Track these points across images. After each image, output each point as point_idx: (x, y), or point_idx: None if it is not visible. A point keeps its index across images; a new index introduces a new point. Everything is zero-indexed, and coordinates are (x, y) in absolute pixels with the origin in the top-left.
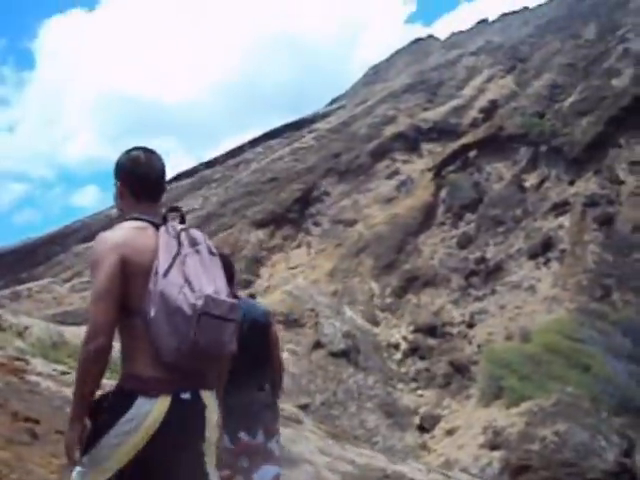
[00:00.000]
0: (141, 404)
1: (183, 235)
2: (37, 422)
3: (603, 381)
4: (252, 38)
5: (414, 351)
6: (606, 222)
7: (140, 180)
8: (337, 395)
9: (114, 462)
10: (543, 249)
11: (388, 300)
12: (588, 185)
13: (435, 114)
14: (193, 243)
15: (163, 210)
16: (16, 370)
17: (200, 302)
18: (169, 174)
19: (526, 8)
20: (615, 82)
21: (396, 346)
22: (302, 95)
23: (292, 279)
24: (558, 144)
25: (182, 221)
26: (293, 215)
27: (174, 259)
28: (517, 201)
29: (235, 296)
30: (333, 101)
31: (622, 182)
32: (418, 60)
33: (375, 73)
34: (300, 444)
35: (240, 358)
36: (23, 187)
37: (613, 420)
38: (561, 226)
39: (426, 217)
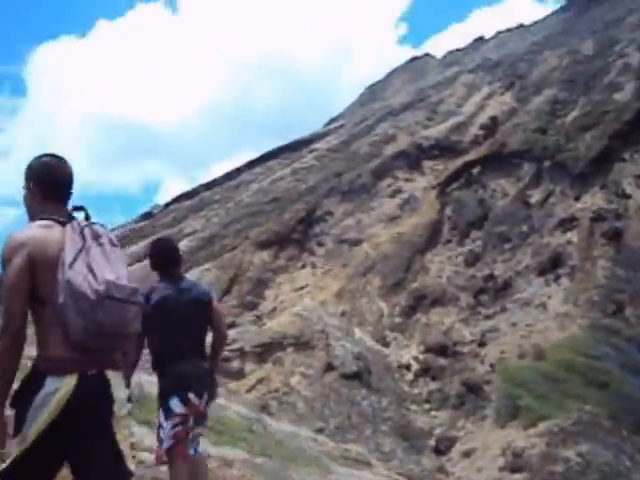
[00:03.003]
0: (50, 383)
1: (86, 230)
2: None
3: (622, 398)
4: (239, 62)
5: (426, 371)
6: (615, 237)
7: (52, 183)
8: (351, 418)
9: (31, 434)
10: (552, 265)
11: (397, 320)
12: (594, 200)
13: (436, 131)
14: (96, 237)
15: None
16: None
17: (102, 287)
18: (163, 198)
19: (522, 25)
20: (617, 96)
21: (407, 367)
22: (290, 118)
23: (299, 300)
24: (562, 159)
25: (87, 218)
26: (297, 235)
27: (79, 252)
28: (523, 217)
29: (181, 276)
30: (331, 121)
31: (629, 196)
32: (415, 78)
33: (372, 93)
34: None
35: (186, 331)
36: (17, 212)
37: (634, 438)
38: (569, 242)
39: (432, 235)
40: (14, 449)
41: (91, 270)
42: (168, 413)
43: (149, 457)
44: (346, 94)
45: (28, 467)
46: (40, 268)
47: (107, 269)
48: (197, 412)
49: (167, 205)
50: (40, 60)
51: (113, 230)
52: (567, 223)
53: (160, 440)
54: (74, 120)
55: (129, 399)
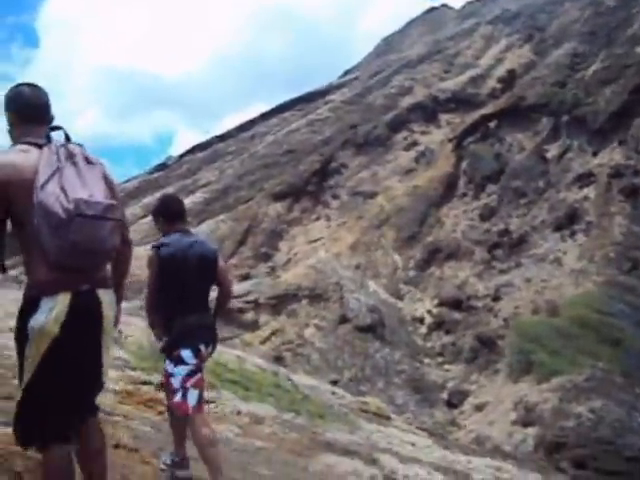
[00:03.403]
0: (45, 303)
1: (61, 151)
2: None
3: (635, 356)
4: (252, 11)
5: (439, 325)
6: (632, 193)
7: (27, 105)
8: (365, 371)
9: (35, 355)
10: (568, 221)
11: (411, 273)
12: (613, 156)
13: (453, 84)
14: (70, 156)
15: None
16: (148, 400)
17: (72, 205)
18: (177, 149)
19: None
20: (639, 50)
21: (421, 320)
22: (304, 69)
23: (313, 253)
24: (581, 114)
25: (67, 138)
26: (311, 187)
27: (53, 173)
28: (539, 172)
29: (188, 232)
30: (346, 72)
31: None
32: (433, 30)
33: (387, 44)
34: None
35: (192, 286)
36: None
37: None
38: (586, 198)
39: (447, 188)
40: (25, 373)
41: (63, 190)
42: (179, 362)
43: None
44: (360, 45)
45: (42, 384)
46: (16, 191)
47: (80, 188)
48: (204, 361)
49: (181, 156)
50: (51, 10)
51: (127, 181)
52: (584, 179)
53: (174, 390)
54: (86, 71)
55: (115, 320)
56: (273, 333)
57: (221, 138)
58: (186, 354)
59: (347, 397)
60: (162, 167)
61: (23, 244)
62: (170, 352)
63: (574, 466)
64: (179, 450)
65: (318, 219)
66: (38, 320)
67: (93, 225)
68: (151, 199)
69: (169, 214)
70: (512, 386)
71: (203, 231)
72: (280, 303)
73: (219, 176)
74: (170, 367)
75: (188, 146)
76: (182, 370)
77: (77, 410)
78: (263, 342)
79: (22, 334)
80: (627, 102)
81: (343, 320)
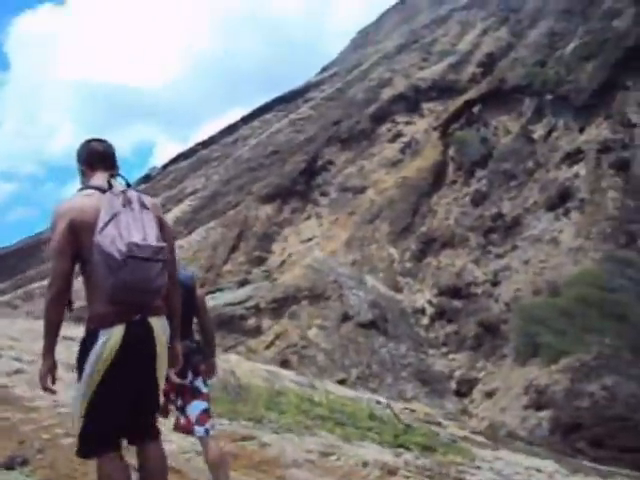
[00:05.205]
0: (103, 335)
1: (120, 197)
2: None
3: None
4: (221, 18)
5: (441, 315)
6: (623, 167)
7: (93, 155)
8: (372, 367)
9: (92, 385)
10: (561, 200)
11: (408, 265)
12: (600, 131)
13: (432, 72)
14: (128, 202)
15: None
16: (259, 463)
17: (125, 249)
18: (158, 160)
19: None
20: (616, 23)
21: (422, 311)
22: (278, 69)
23: (308, 252)
24: (564, 92)
25: (128, 185)
26: (299, 187)
27: (112, 218)
28: (527, 153)
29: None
30: (323, 69)
31: (634, 125)
32: (407, 19)
33: (363, 37)
34: None
35: None
36: (13, 186)
37: None
38: (577, 175)
39: (436, 177)
40: (83, 394)
41: (120, 233)
42: None
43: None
44: (334, 40)
45: (101, 403)
46: (80, 232)
47: (135, 232)
48: (180, 390)
49: (165, 166)
50: (20, 31)
51: None
52: (573, 156)
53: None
54: (60, 88)
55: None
56: (277, 337)
57: (204, 145)
58: None
59: (394, 406)
60: (147, 179)
61: (85, 279)
62: None
63: (592, 446)
64: None
65: (309, 218)
66: (97, 350)
67: (143, 266)
68: None
69: None
70: (520, 370)
71: (194, 240)
72: (280, 306)
73: (205, 183)
74: None
75: (169, 156)
76: None
77: (133, 428)
78: (267, 347)
79: (82, 361)
80: (609, 76)
81: (345, 318)
